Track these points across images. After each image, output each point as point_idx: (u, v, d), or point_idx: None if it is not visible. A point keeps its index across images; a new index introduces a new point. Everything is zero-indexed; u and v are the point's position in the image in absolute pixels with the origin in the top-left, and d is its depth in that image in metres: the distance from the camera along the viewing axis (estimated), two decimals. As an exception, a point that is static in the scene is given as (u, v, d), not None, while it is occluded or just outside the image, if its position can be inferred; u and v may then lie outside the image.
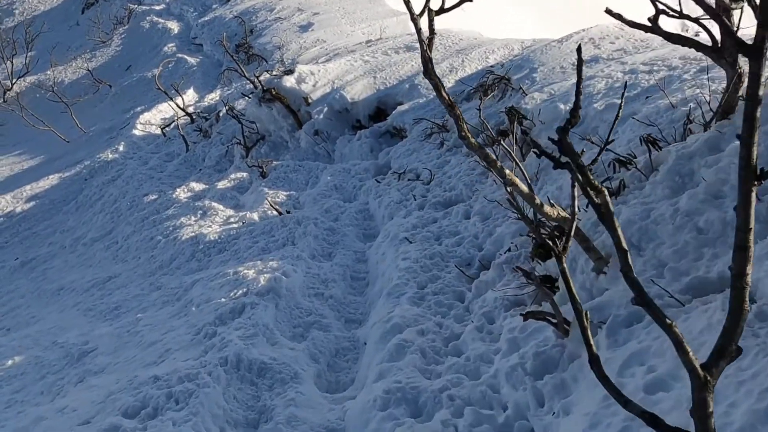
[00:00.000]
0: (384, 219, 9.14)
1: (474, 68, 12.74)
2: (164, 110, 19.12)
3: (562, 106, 8.43)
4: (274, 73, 13.74)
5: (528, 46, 12.92)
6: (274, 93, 13.10)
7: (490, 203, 7.87)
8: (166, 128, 17.44)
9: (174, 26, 24.44)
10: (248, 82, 15.17)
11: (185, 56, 22.21)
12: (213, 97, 19.17)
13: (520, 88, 10.23)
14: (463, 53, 13.18)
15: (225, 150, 14.15)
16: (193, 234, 10.34)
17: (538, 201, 4.34)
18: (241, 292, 7.44)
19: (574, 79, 9.76)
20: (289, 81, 13.25)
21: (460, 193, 8.76)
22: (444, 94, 4.28)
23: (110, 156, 16.66)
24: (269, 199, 10.68)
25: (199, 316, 7.37)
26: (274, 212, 10.10)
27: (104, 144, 18.68)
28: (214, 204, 11.46)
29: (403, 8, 19.63)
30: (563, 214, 4.36)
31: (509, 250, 6.52)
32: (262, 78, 13.51)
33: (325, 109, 12.92)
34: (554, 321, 4.21)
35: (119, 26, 25.86)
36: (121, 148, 16.93)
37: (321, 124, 12.84)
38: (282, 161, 12.35)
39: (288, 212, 9.92)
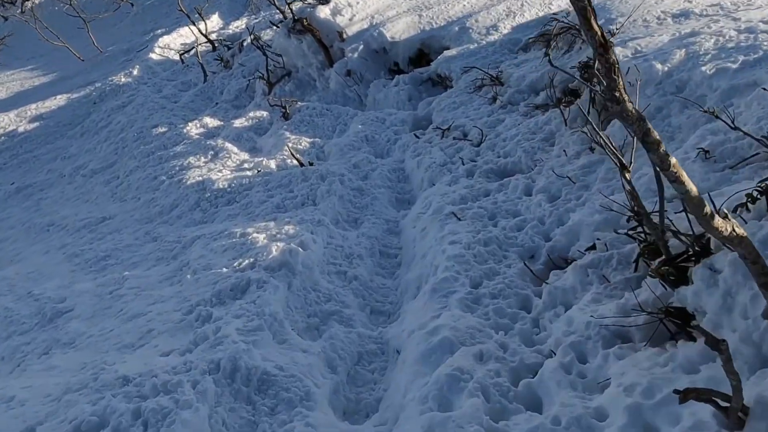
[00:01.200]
0: (423, 183, 7.55)
1: (534, 14, 10.95)
2: (186, 35, 17.41)
3: (659, 66, 6.71)
4: (308, 1, 11.99)
5: (598, -5, 11.08)
6: (305, 24, 11.38)
7: (559, 179, 6.26)
8: (185, 54, 15.76)
9: (204, -54, 22.45)
10: (278, 11, 13.45)
11: (214, -20, 20.31)
12: (239, 24, 17.41)
13: (602, 35, 8.47)
14: (524, -4, 11.36)
15: (246, 84, 12.50)
16: (200, 178, 8.80)
17: (707, 210, 2.74)
18: (247, 262, 5.92)
19: (664, 35, 8.01)
20: (324, 12, 11.51)
21: (518, 161, 7.14)
22: (596, 27, 2.66)
23: (123, 79, 15.05)
24: (290, 145, 9.09)
25: (194, 287, 5.87)
26: (295, 162, 8.52)
27: (120, 66, 17.05)
28: (228, 145, 9.89)
29: None
30: (740, 232, 2.77)
31: (593, 247, 4.94)
32: (294, 5, 11.78)
33: (361, 47, 11.21)
34: (724, 405, 2.64)
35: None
36: (135, 72, 15.30)
37: (355, 63, 11.15)
38: (308, 102, 10.70)
39: (311, 164, 8.33)
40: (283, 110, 10.38)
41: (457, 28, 10.95)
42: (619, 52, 7.80)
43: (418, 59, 11.19)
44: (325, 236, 6.39)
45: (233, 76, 13.36)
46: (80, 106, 14.88)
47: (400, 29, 11.22)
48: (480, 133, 8.11)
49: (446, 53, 10.58)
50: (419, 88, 10.42)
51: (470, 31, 10.83)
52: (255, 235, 6.40)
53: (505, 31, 10.69)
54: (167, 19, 19.70)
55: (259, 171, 8.57)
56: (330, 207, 7.11)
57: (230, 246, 6.35)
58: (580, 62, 7.98)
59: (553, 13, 10.82)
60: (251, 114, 11.00)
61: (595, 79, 7.25)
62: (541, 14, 10.95)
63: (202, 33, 16.12)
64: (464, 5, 11.45)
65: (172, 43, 17.16)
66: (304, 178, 7.91)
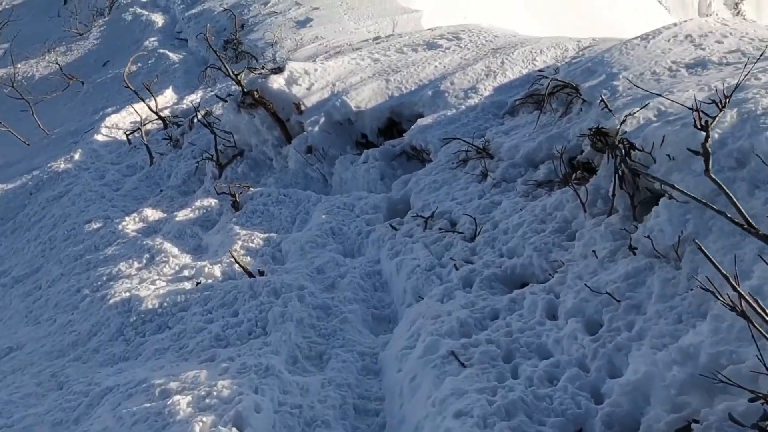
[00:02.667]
0: (406, 295, 5.60)
1: (518, 72, 9.22)
2: (137, 112, 15.52)
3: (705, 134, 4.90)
4: (259, 71, 10.18)
5: (588, 46, 9.40)
6: (256, 96, 9.53)
7: (594, 295, 4.35)
8: (133, 134, 13.84)
9: (159, 19, 20.81)
10: (234, 82, 11.63)
11: (167, 52, 18.61)
12: (194, 98, 15.56)
13: (602, 100, 6.70)
14: (501, 53, 9.65)
15: (195, 166, 10.57)
16: (127, 294, 6.75)
17: None
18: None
19: (690, 89, 6.25)
20: (277, 82, 9.69)
21: (529, 263, 5.24)
22: None
23: (63, 166, 13.03)
24: (240, 244, 7.14)
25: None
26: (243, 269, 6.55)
27: (66, 149, 15.03)
28: (167, 245, 7.89)
29: (416, 5, 15.97)
30: None
31: (697, 422, 3.01)
32: (243, 76, 9.94)
33: (322, 119, 9.37)
34: None
35: (100, 18, 22.20)
36: (76, 157, 13.30)
37: (316, 138, 9.29)
38: (262, 188, 8.76)
39: (262, 273, 6.35)
40: (233, 199, 8.44)
41: (430, 93, 9.16)
42: (640, 115, 6.01)
43: (388, 129, 9.37)
44: (276, 393, 4.37)
45: (182, 157, 11.42)
46: (15, 197, 12.81)
47: (365, 97, 9.42)
48: (473, 222, 6.22)
49: (420, 122, 8.77)
50: (392, 164, 8.56)
51: (446, 95, 9.05)
52: (177, 397, 4.37)
53: (487, 93, 8.93)
54: (119, 97, 17.80)
55: (199, 283, 6.57)
56: (285, 340, 5.11)
57: (142, 417, 4.31)
58: (591, 129, 6.16)
59: (539, 70, 9.12)
60: (198, 203, 9.04)
61: (617, 151, 5.43)
62: (525, 72, 9.22)
63: (152, 110, 14.27)
64: (436, 66, 9.70)
65: (121, 122, 15.24)
66: (252, 294, 5.92)
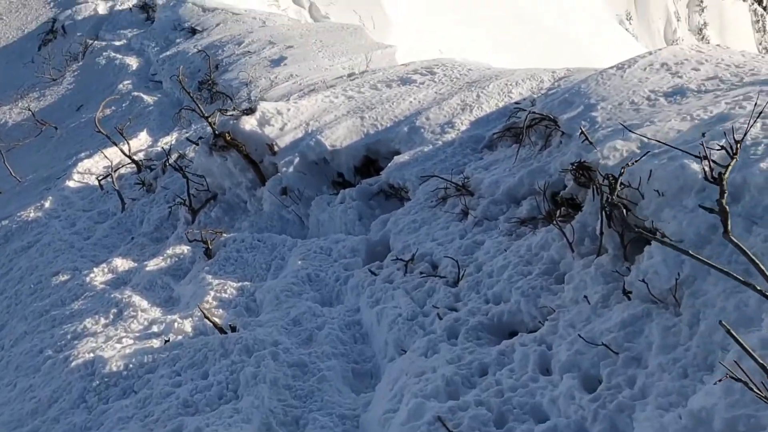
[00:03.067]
0: (388, 348, 5.17)
1: (494, 105, 8.90)
2: (110, 156, 15.05)
3: (694, 166, 4.55)
4: (231, 112, 9.79)
5: (563, 77, 9.12)
6: (228, 139, 9.13)
7: (589, 347, 3.96)
8: (105, 179, 13.36)
9: (133, 62, 20.43)
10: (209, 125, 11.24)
11: (142, 95, 18.19)
12: (168, 140, 15.13)
13: (581, 132, 6.38)
14: (476, 86, 9.34)
15: (168, 211, 10.11)
16: (91, 355, 6.24)
17: None
18: None
19: (672, 120, 5.93)
20: (249, 123, 9.30)
21: (517, 309, 4.84)
22: None
23: (33, 214, 12.50)
24: (209, 300, 6.68)
25: None
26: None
27: (37, 196, 14.51)
28: (136, 298, 7.40)
29: (390, 40, 15.75)
30: None
31: None
32: (214, 118, 9.55)
33: (297, 159, 8.98)
34: None
35: (73, 62, 21.79)
36: (47, 204, 12.77)
37: (291, 179, 8.88)
38: (235, 234, 8.31)
39: (233, 329, 5.89)
40: (205, 246, 7.99)
41: (406, 129, 8.82)
42: (622, 147, 5.69)
43: (365, 168, 8.99)
44: (246, 471, 3.92)
45: (155, 202, 10.96)
46: (-16, 249, 12.27)
47: (340, 135, 9.05)
48: (455, 265, 5.82)
49: (397, 159, 8.40)
50: (370, 204, 8.17)
51: (422, 130, 8.71)
52: (137, 479, 3.89)
53: (464, 128, 8.59)
54: (92, 141, 17.32)
55: (167, 341, 6.09)
56: (257, 405, 4.64)
57: (98, 503, 3.83)
58: (573, 164, 5.82)
59: (516, 103, 8.82)
60: (170, 251, 8.57)
61: (604, 187, 5.06)
62: (501, 105, 8.91)
63: (125, 153, 13.85)
64: (411, 102, 9.37)
65: (93, 166, 14.75)
66: (223, 352, 5.46)
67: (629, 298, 4.19)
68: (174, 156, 10.89)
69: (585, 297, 4.46)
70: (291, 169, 8.93)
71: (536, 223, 6.08)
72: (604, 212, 4.89)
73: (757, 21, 60.29)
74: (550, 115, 7.30)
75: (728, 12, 59.36)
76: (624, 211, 4.72)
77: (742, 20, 59.94)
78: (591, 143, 6.25)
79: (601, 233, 4.93)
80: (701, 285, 3.82)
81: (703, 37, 56.09)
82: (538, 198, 6.36)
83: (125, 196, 11.89)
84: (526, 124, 7.34)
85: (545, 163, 6.77)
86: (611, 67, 7.70)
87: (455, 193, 7.16)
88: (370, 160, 9.01)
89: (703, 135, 4.81)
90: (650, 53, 7.74)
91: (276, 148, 9.18)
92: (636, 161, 5.00)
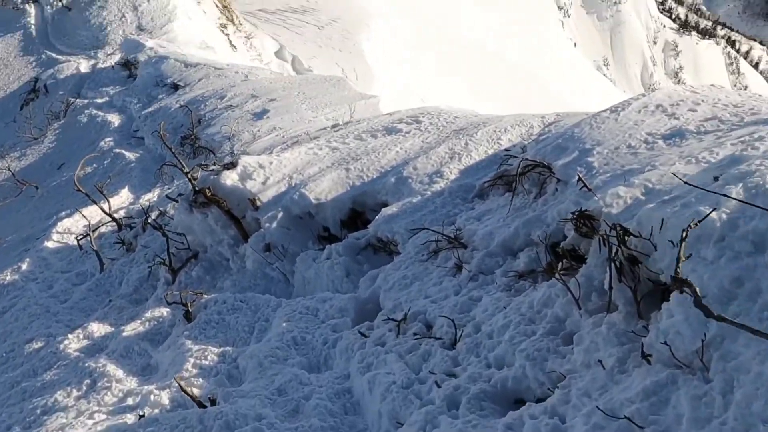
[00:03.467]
0: (382, 421, 4.67)
1: (483, 153, 8.56)
2: (90, 215, 14.54)
3: (713, 215, 4.15)
4: (211, 167, 9.39)
5: (553, 122, 8.81)
6: (209, 195, 8.71)
7: (609, 420, 3.49)
8: (84, 239, 12.85)
9: (115, 119, 20.10)
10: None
11: (123, 151, 17.81)
12: (150, 197, 14.69)
13: (579, 179, 6.01)
14: (464, 134, 9.02)
15: (148, 271, 9.61)
16: (59, 434, 5.70)
17: None
18: None
19: (677, 163, 5.58)
20: (230, 178, 8.89)
21: (522, 375, 4.37)
22: None
23: (8, 277, 11.93)
24: (188, 368, 6.15)
25: None
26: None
27: (16, 258, 13.97)
28: (110, 367, 6.86)
29: (373, 91, 15.53)
30: None
31: None
32: (195, 174, 9.14)
33: (280, 214, 8.55)
34: None
35: (55, 121, 21.44)
36: (24, 267, 12.21)
37: (274, 235, 8.44)
38: (216, 295, 7.82)
39: (213, 402, 5.37)
40: (185, 308, 7.48)
41: (393, 180, 8.44)
42: (625, 194, 5.31)
43: (352, 221, 8.57)
44: None
45: (135, 262, 10.46)
46: (-43, 315, 11.64)
47: (325, 188, 8.66)
48: (451, 325, 5.36)
49: (385, 211, 8.00)
50: (358, 259, 7.72)
51: (410, 181, 8.33)
52: None
53: (453, 177, 8.22)
54: (73, 199, 16.82)
55: (142, 416, 5.55)
56: (238, 495, 4.12)
57: None
58: (574, 213, 5.43)
59: (506, 149, 8.48)
60: (149, 314, 8.06)
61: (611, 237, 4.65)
62: (491, 152, 8.58)
63: (105, 212, 13.39)
64: (397, 152, 9.02)
65: (73, 226, 14.23)
66: (202, 429, 4.94)
67: (649, 362, 3.74)
68: (154, 214, 10.42)
69: (599, 361, 4.01)
70: (274, 225, 8.50)
71: (536, 277, 5.65)
72: (612, 265, 4.47)
73: (731, 63, 61.24)
74: (544, 161, 6.95)
75: (702, 56, 60.36)
76: (635, 263, 4.31)
77: (715, 63, 60.93)
78: (590, 190, 5.90)
79: (611, 288, 4.50)
80: (731, 346, 3.39)
81: (679, 81, 56.82)
82: (537, 249, 5.95)
83: (104, 256, 11.38)
84: (519, 172, 6.97)
85: (541, 212, 6.38)
86: (604, 111, 7.39)
87: (447, 246, 6.74)
88: (356, 212, 8.61)
89: (716, 179, 4.43)
90: (644, 95, 7.45)
91: (258, 203, 8.76)
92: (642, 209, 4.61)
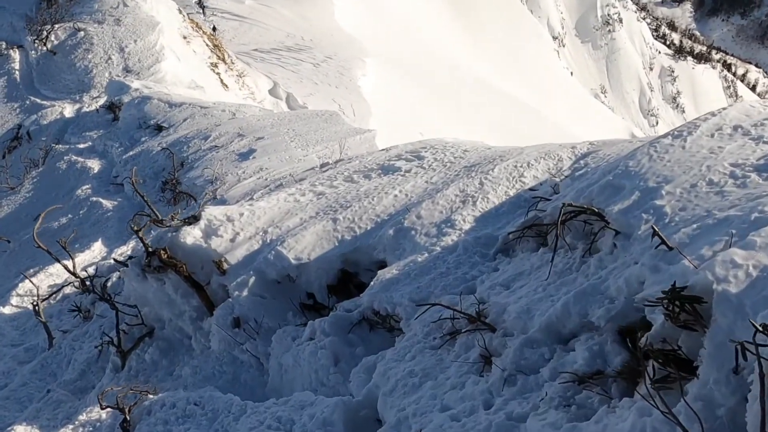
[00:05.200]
0: None
1: (503, 194, 6.66)
2: (57, 273, 12.67)
3: None
4: (172, 222, 7.49)
5: (587, 153, 6.91)
6: (164, 257, 6.80)
7: None
8: (43, 303, 10.94)
9: (95, 165, 18.28)
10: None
11: (101, 199, 15.95)
12: (125, 250, 12.82)
13: (655, 233, 4.09)
14: (477, 171, 7.12)
15: (98, 351, 7.66)
16: None
17: None
18: None
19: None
20: (192, 235, 6.99)
21: None
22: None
23: (-49, 354, 9.99)
24: None
25: None
26: None
27: (-21, 321, 12.05)
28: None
29: (371, 125, 13.61)
30: None
31: None
32: (147, 232, 7.26)
33: (252, 279, 6.63)
34: None
35: (33, 169, 19.64)
36: (-30, 340, 10.30)
37: (245, 306, 6.51)
38: (164, 395, 5.84)
39: None
40: (123, 417, 5.52)
41: (392, 232, 6.52)
42: (746, 261, 3.38)
43: (342, 285, 6.66)
44: None
45: (88, 336, 8.53)
46: None
47: (308, 244, 6.75)
48: (485, 468, 3.39)
49: (382, 274, 6.06)
50: (349, 339, 5.77)
51: (412, 233, 6.42)
52: None
53: (467, 227, 6.31)
54: (46, 255, 14.96)
55: None
56: None
57: None
58: (666, 292, 3.49)
59: (532, 189, 6.59)
60: (84, 416, 6.12)
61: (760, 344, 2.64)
62: (512, 192, 6.67)
63: (69, 270, 11.48)
64: (396, 196, 7.12)
65: (37, 286, 12.33)
66: None
67: None
68: (101, 280, 8.51)
69: None
70: (245, 293, 6.58)
71: (606, 384, 3.71)
72: (764, 392, 2.53)
73: (728, 86, 59.70)
74: (592, 206, 5.04)
75: (699, 80, 58.86)
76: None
77: (713, 87, 59.42)
78: (670, 247, 3.98)
79: (764, 426, 2.56)
80: None
81: (677, 105, 55.28)
82: (599, 338, 4.02)
83: (58, 326, 9.48)
84: (561, 219, 5.05)
85: (598, 279, 4.45)
86: (664, 136, 5.50)
87: (468, 327, 4.80)
88: (347, 274, 6.69)
89: None
90: (713, 114, 5.55)
91: (225, 266, 6.84)
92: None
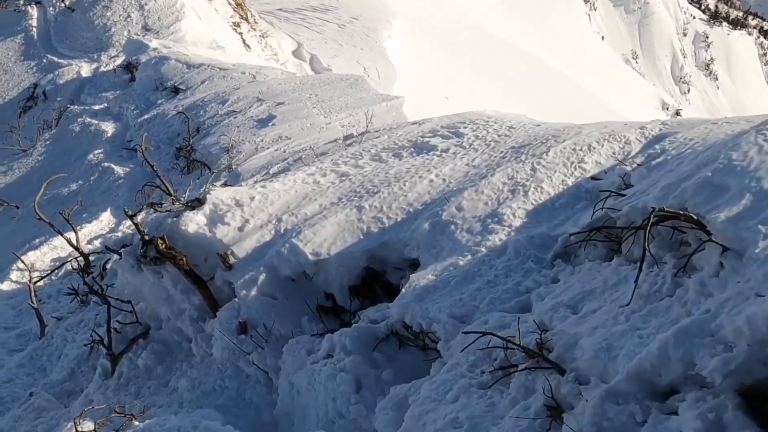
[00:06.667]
0: None
1: (560, 184, 5.51)
2: (61, 246, 11.79)
3: None
4: (173, 206, 6.46)
5: (664, 136, 5.72)
6: (162, 247, 5.77)
7: None
8: (43, 280, 10.09)
9: (109, 128, 17.29)
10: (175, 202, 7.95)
11: (112, 165, 15.00)
12: (136, 221, 11.86)
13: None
14: (528, 154, 5.96)
15: (89, 349, 6.72)
16: None
17: None
18: None
19: None
20: (195, 222, 5.95)
21: None
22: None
23: (-58, 335, 9.16)
24: None
25: None
26: None
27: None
28: None
29: (396, 89, 12.24)
30: None
31: None
32: (145, 216, 6.25)
33: (262, 276, 5.60)
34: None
35: (47, 131, 18.71)
36: (-36, 318, 9.46)
37: (252, 308, 5.50)
38: (150, 422, 4.86)
39: None
40: (102, 446, 4.54)
41: (426, 225, 5.42)
42: None
43: (366, 285, 5.61)
44: None
45: (83, 325, 7.61)
46: None
47: (328, 236, 5.68)
48: None
49: (416, 279, 4.99)
50: (374, 359, 4.73)
51: (452, 227, 5.31)
52: None
53: (518, 222, 5.19)
54: (56, 221, 14.09)
55: None
56: None
57: None
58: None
59: (594, 177, 5.44)
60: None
61: None
62: (570, 182, 5.52)
63: (72, 244, 10.58)
64: (432, 180, 6.00)
65: (39, 260, 11.48)
66: None
67: None
68: (93, 272, 7.54)
69: None
70: (254, 292, 5.55)
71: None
72: None
73: (764, 54, 57.09)
74: (687, 210, 3.89)
75: (734, 47, 56.30)
76: None
77: (748, 54, 56.82)
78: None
79: None
80: None
81: (710, 73, 52.97)
82: (713, 401, 2.92)
83: (51, 312, 8.59)
84: (648, 223, 3.90)
85: (706, 313, 3.33)
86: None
87: (526, 364, 3.73)
88: (373, 273, 5.63)
89: None
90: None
91: (232, 260, 5.81)
92: None
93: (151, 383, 5.63)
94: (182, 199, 7.89)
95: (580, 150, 5.79)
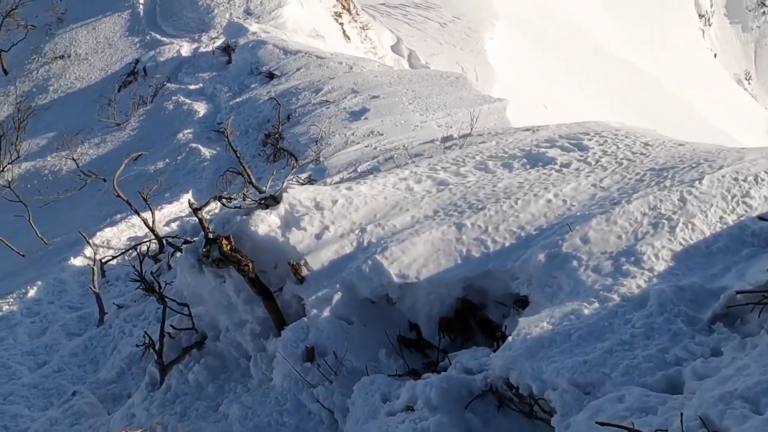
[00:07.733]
0: None
1: (717, 221, 4.31)
2: (139, 225, 11.34)
3: None
4: (236, 201, 5.63)
5: None
6: (228, 248, 4.94)
7: None
8: (112, 262, 9.59)
9: (201, 108, 16.94)
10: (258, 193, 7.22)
11: (200, 146, 14.57)
12: (211, 209, 11.26)
13: None
14: (673, 179, 4.77)
15: (142, 351, 6.00)
16: None
17: None
18: None
19: None
20: (266, 222, 5.09)
21: None
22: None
23: (6, 308, 8.76)
24: None
25: None
26: None
27: (57, 266, 10.90)
28: None
29: (494, 93, 11.09)
30: None
31: None
32: (212, 209, 5.46)
33: (337, 296, 4.68)
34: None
35: (142, 107, 18.57)
36: (32, 293, 9.04)
37: (324, 332, 4.59)
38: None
39: None
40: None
41: (542, 257, 4.35)
42: None
43: (460, 320, 4.60)
44: None
45: (142, 318, 6.95)
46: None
47: (419, 255, 4.70)
48: None
49: (527, 325, 3.92)
50: (466, 420, 3.72)
51: (574, 263, 4.22)
52: None
53: (661, 267, 4.04)
54: (137, 199, 13.74)
55: None
56: None
57: None
58: None
59: (762, 217, 4.24)
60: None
61: None
62: (731, 219, 4.32)
63: (148, 226, 10.09)
64: (549, 201, 4.91)
65: (115, 237, 11.07)
66: None
67: None
68: (154, 266, 6.84)
69: None
70: (326, 313, 4.64)
71: None
72: None
73: None
74: None
75: None
76: None
77: None
78: None
79: None
80: None
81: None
82: None
83: (125, 291, 8.01)
84: None
85: None
86: None
87: (689, 479, 2.63)
88: (470, 306, 4.61)
89: None
90: None
91: (305, 272, 4.91)
92: None
93: (200, 404, 4.82)
94: (263, 190, 7.12)
95: (744, 181, 4.57)
